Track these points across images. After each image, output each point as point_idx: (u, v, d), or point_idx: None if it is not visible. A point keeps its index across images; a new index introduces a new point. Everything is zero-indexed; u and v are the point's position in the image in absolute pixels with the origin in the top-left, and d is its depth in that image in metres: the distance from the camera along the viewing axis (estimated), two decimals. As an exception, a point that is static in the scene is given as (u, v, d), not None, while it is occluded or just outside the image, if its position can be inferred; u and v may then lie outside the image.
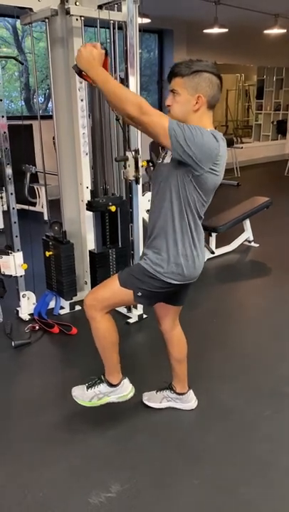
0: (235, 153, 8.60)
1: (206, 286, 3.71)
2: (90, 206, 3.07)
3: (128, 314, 3.22)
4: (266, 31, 7.43)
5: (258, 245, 4.71)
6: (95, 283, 3.21)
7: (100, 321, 1.91)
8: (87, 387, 2.08)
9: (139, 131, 2.76)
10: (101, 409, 2.17)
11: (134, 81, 2.73)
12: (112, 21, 2.81)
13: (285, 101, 10.94)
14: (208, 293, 3.64)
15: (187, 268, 1.84)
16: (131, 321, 3.17)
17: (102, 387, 2.06)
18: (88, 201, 3.09)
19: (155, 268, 1.83)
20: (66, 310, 3.34)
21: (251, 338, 3.04)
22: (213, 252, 4.23)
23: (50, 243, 3.25)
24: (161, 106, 8.65)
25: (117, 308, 3.25)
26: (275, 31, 7.29)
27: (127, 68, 2.67)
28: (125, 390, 2.08)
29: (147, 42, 8.66)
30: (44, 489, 1.86)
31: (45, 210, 5.43)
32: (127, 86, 2.74)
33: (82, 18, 2.79)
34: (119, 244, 3.24)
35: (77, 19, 2.83)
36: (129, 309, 3.22)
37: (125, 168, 2.81)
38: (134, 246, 3.02)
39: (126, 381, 2.08)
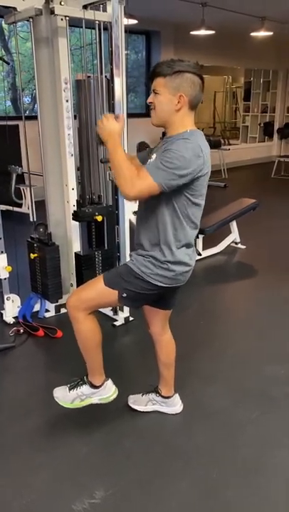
0: (223, 154, 8.63)
1: (193, 287, 3.69)
2: (76, 216, 3.05)
3: (114, 317, 3.20)
4: (253, 34, 7.47)
5: (244, 247, 4.72)
6: (80, 285, 3.18)
7: (83, 322, 1.89)
8: (69, 389, 2.05)
9: (124, 133, 2.75)
10: (86, 413, 2.15)
11: (119, 82, 2.71)
12: (97, 21, 2.79)
13: (272, 103, 11.01)
14: (196, 294, 3.63)
15: (175, 271, 1.83)
16: (117, 323, 3.15)
17: (85, 389, 2.03)
18: (74, 211, 3.06)
19: (142, 269, 1.81)
20: (51, 313, 3.31)
21: (238, 339, 3.04)
22: (200, 254, 4.23)
23: (35, 245, 3.21)
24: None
25: (103, 311, 3.23)
26: (262, 34, 7.34)
27: (112, 69, 2.65)
28: (108, 391, 2.06)
29: (135, 43, 8.64)
30: (28, 497, 1.83)
31: (30, 212, 5.37)
32: (113, 87, 2.72)
33: (67, 18, 2.76)
34: (105, 246, 3.22)
35: (62, 19, 2.80)
36: (115, 312, 3.20)
37: (111, 169, 2.78)
38: (121, 248, 3.00)
39: (109, 382, 2.06)
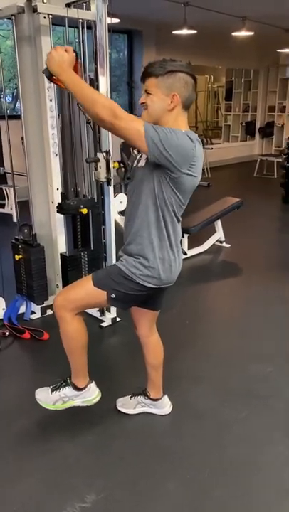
0: (206, 154, 8.65)
1: (178, 287, 3.64)
2: (60, 209, 3.00)
3: (101, 318, 3.17)
4: (234, 33, 7.51)
5: (229, 246, 4.74)
6: (68, 285, 3.15)
7: (70, 322, 1.86)
8: (52, 390, 2.02)
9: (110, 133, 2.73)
10: (74, 416, 2.13)
11: (104, 81, 2.69)
12: (80, 20, 2.76)
13: (254, 102, 11.10)
14: (180, 294, 3.63)
15: (164, 272, 1.82)
16: (104, 324, 3.12)
17: (68, 391, 2.00)
18: (59, 203, 3.02)
19: (131, 270, 1.80)
20: (37, 315, 3.27)
21: (222, 338, 3.05)
22: (185, 253, 4.23)
23: (20, 246, 3.16)
24: (131, 107, 8.64)
25: (89, 312, 3.20)
26: (243, 34, 7.37)
27: (96, 68, 2.62)
28: (91, 394, 2.03)
29: (116, 42, 8.61)
30: (18, 503, 1.80)
31: (14, 212, 5.31)
32: (97, 86, 2.70)
33: (50, 16, 2.72)
34: (91, 246, 3.19)
35: (44, 17, 2.76)
36: (102, 313, 3.18)
37: (96, 169, 2.77)
38: (107, 248, 2.98)
39: (92, 385, 2.04)
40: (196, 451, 2.06)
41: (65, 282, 3.16)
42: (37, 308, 3.26)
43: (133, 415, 2.25)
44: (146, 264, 1.79)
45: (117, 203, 3.56)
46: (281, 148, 10.61)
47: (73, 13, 2.71)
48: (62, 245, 3.26)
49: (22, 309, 3.28)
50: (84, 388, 2.00)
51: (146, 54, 8.34)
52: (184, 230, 4.15)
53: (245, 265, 4.32)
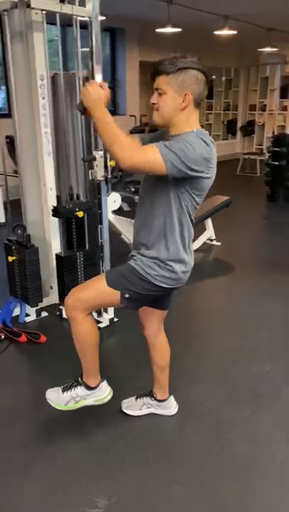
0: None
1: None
2: (56, 212, 2.96)
3: (99, 318, 3.13)
4: (217, 32, 7.53)
5: (219, 243, 4.75)
6: (62, 287, 3.10)
7: (82, 322, 1.83)
8: (63, 390, 1.99)
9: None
10: (78, 418, 2.10)
11: (99, 79, 2.64)
12: (74, 17, 2.72)
13: (235, 101, 11.19)
14: (176, 293, 3.61)
15: (179, 272, 1.81)
16: (102, 325, 3.08)
17: (80, 390, 1.97)
18: (54, 207, 2.97)
19: (146, 270, 1.77)
20: (32, 317, 3.20)
21: (220, 337, 3.05)
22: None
23: (13, 247, 3.10)
24: (115, 107, 8.58)
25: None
26: (226, 32, 7.41)
27: (92, 66, 2.58)
28: (103, 393, 2.01)
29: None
30: (26, 510, 1.75)
31: (2, 212, 5.24)
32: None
33: (44, 11, 2.66)
34: (86, 246, 3.15)
35: (36, 13, 2.70)
36: (99, 313, 3.13)
37: (92, 168, 2.72)
38: (104, 248, 2.94)
39: (104, 384, 2.01)
40: (201, 451, 2.04)
41: (61, 283, 3.11)
42: (32, 311, 3.20)
43: (138, 416, 2.22)
44: (161, 264, 1.78)
45: (110, 202, 3.54)
46: (262, 147, 10.77)
47: (67, 9, 2.66)
48: (56, 245, 3.21)
49: (16, 312, 3.21)
50: (96, 387, 1.97)
51: (129, 52, 8.30)
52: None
53: (236, 263, 4.33)
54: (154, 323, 2.07)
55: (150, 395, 2.22)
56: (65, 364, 2.63)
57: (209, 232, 4.66)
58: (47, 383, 2.43)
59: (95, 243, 3.04)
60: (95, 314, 3.15)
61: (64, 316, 3.18)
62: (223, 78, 11.03)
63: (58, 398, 1.97)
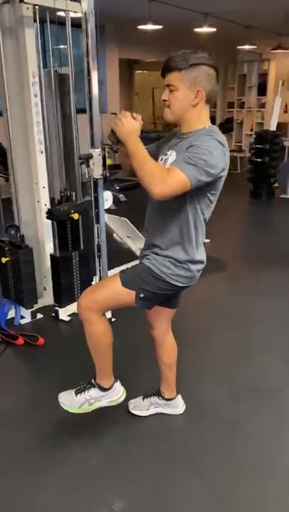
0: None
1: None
2: (50, 215, 2.91)
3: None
4: (196, 29, 7.55)
5: (208, 241, 4.74)
6: (58, 288, 3.06)
7: (97, 323, 1.81)
8: (76, 393, 1.95)
9: (102, 126, 2.67)
10: (82, 420, 2.06)
11: (96, 76, 2.61)
12: (67, 12, 2.67)
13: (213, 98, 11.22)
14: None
15: (194, 271, 1.80)
16: (99, 325, 3.04)
17: (94, 392, 1.94)
18: (48, 209, 2.93)
19: (162, 269, 1.76)
20: (27, 319, 3.14)
21: (220, 333, 3.05)
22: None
23: (7, 248, 3.02)
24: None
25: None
26: (205, 30, 7.43)
27: (88, 62, 2.54)
28: (117, 393, 1.99)
29: (75, 37, 8.44)
30: (41, 518, 1.72)
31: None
32: (89, 81, 2.62)
33: (37, 7, 2.61)
34: (81, 246, 3.10)
35: (28, 8, 2.64)
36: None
37: (89, 166, 2.69)
38: (102, 247, 2.90)
39: (118, 384, 1.99)
40: (210, 449, 2.04)
41: (57, 284, 3.07)
42: (26, 313, 3.13)
43: (146, 417, 2.20)
44: (177, 264, 1.76)
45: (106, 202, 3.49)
46: (241, 144, 10.89)
47: (61, 4, 2.61)
48: (49, 246, 3.16)
49: (11, 314, 3.14)
50: (110, 388, 1.95)
51: (109, 50, 8.25)
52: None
53: (228, 259, 4.35)
54: (163, 322, 2.06)
55: (158, 394, 2.21)
56: (64, 366, 2.60)
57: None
58: (46, 386, 2.41)
59: (90, 243, 3.00)
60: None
61: (61, 317, 3.13)
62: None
63: (72, 401, 1.94)
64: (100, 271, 2.94)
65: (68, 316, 3.16)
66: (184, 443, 2.08)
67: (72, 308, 3.16)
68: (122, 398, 2.00)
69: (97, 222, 2.83)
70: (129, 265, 2.15)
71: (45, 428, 2.16)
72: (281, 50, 8.74)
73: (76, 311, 3.11)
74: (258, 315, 3.29)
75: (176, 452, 2.03)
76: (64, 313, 3.14)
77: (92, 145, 2.65)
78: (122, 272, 1.83)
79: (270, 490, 1.85)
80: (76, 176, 3.04)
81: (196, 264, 1.81)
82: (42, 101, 2.89)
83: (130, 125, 1.66)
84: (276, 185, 6.90)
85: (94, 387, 1.94)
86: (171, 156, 1.72)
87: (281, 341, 2.92)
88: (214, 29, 7.44)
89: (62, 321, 3.13)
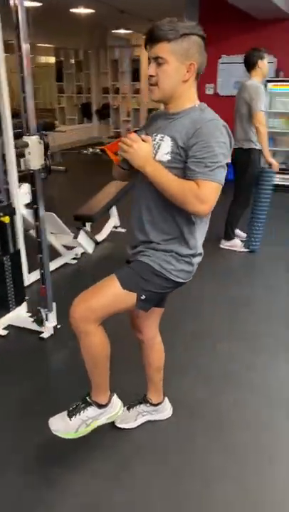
0: (54, 137, 8.24)
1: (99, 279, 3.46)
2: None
3: (40, 329, 2.74)
4: (73, 10, 7.21)
5: (125, 230, 4.62)
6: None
7: (95, 334, 1.57)
8: (70, 416, 1.69)
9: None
10: (66, 444, 1.77)
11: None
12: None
13: (87, 84, 10.96)
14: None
15: (195, 264, 1.66)
16: (45, 335, 2.72)
17: (91, 411, 1.70)
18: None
19: (163, 265, 1.58)
20: None
21: (181, 322, 2.93)
22: (97, 243, 3.98)
23: None
24: None
25: (22, 325, 2.78)
26: (82, 11, 7.14)
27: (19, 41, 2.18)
28: (115, 408, 1.77)
29: None
30: None
31: None
32: (21, 61, 2.26)
33: None
34: (11, 249, 2.73)
35: None
36: (40, 322, 2.73)
37: (24, 156, 2.35)
38: (43, 247, 2.57)
39: (115, 398, 1.77)
40: (204, 446, 1.98)
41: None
42: None
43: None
44: (179, 258, 1.60)
45: (22, 195, 3.13)
46: (119, 130, 10.85)
47: None
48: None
49: None
50: (108, 404, 1.73)
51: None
52: (88, 218, 3.92)
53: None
54: (153, 324, 1.89)
55: (145, 401, 2.04)
56: (19, 384, 2.27)
57: (114, 219, 4.50)
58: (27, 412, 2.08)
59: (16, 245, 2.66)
60: (32, 325, 2.76)
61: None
62: (72, 60, 10.72)
63: (67, 426, 1.67)
64: (43, 274, 2.62)
65: (4, 329, 2.77)
66: (179, 444, 1.97)
67: (7, 319, 2.78)
68: (121, 411, 1.80)
69: (37, 220, 2.50)
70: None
71: (27, 459, 1.85)
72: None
73: (13, 323, 2.77)
74: (215, 303, 3.26)
75: (177, 455, 1.91)
76: (-2, 327, 2.75)
77: (28, 131, 2.30)
78: (117, 273, 1.60)
79: (274, 479, 1.84)
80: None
81: (197, 256, 1.67)
82: None
83: (144, 151, 1.49)
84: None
85: (90, 405, 1.70)
86: (164, 141, 1.53)
87: (240, 327, 2.94)
88: (93, 10, 7.19)
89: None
